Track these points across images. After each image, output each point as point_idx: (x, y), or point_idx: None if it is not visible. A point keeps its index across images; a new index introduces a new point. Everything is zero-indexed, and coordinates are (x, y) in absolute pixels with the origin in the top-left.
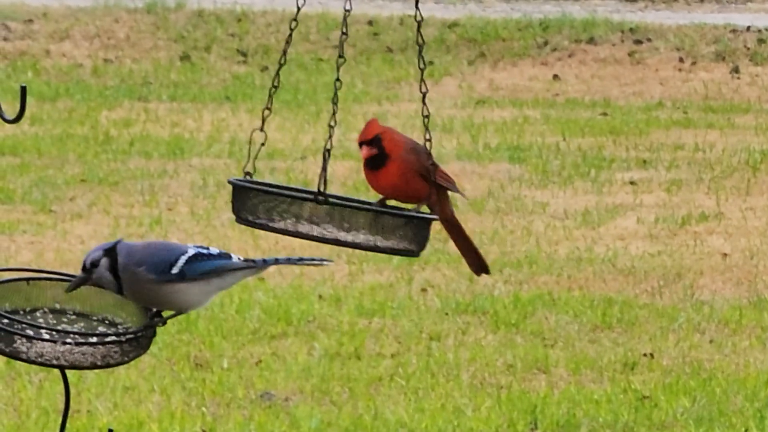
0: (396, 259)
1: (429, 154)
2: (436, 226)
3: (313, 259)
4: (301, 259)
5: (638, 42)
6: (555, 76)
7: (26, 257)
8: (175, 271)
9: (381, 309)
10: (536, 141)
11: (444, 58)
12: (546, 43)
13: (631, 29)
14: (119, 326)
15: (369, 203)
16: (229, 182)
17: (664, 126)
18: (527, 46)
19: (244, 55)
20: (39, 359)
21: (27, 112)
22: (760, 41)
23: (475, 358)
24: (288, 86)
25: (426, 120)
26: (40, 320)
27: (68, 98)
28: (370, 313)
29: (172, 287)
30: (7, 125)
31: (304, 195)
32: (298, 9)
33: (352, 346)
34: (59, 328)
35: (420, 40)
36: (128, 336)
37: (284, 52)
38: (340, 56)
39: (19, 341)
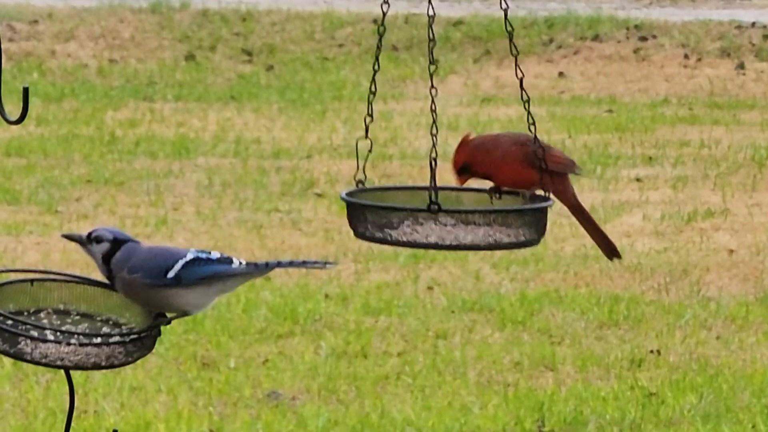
0: (402, 257)
1: (536, 141)
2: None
3: (317, 262)
4: (304, 262)
5: (643, 39)
6: (560, 74)
7: (33, 258)
8: (170, 275)
9: (387, 307)
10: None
11: (449, 56)
12: (551, 41)
13: (636, 26)
14: (123, 327)
15: (482, 190)
16: (342, 199)
17: (670, 123)
18: (532, 44)
19: (249, 54)
20: (43, 360)
21: (32, 113)
22: (766, 37)
23: (482, 355)
24: (293, 85)
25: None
26: (44, 321)
27: (73, 99)
28: (376, 311)
29: (168, 291)
30: (13, 126)
31: (418, 207)
32: None
33: (358, 345)
34: (63, 329)
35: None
36: (132, 336)
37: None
38: (431, 63)
39: (23, 342)
